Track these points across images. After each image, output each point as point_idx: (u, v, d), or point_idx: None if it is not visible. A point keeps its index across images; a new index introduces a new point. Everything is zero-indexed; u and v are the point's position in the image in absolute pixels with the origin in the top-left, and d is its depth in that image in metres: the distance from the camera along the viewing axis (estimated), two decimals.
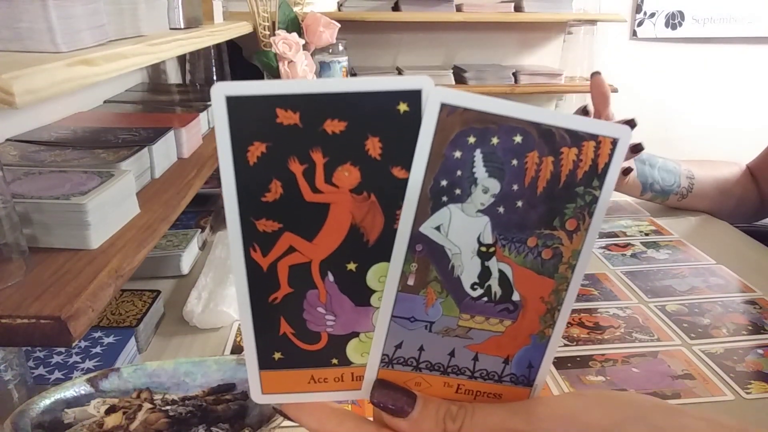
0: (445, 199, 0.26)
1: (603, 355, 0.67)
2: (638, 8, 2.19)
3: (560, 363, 0.66)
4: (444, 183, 0.26)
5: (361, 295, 0.28)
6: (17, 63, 0.40)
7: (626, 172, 0.95)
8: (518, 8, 1.96)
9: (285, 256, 0.27)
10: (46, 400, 0.45)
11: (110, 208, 0.53)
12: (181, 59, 1.40)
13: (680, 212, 1.08)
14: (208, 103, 0.98)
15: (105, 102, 0.97)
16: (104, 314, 0.71)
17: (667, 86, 2.23)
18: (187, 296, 0.77)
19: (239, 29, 1.12)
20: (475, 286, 0.28)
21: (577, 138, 0.26)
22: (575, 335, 0.71)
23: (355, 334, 0.29)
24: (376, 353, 0.29)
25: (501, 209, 0.27)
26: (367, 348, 0.29)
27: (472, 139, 0.25)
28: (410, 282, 0.28)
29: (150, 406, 0.46)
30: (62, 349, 0.63)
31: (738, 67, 2.27)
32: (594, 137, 0.26)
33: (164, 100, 1.03)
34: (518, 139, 0.26)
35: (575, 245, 0.28)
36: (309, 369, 0.30)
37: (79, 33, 0.51)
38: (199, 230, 0.95)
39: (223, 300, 0.74)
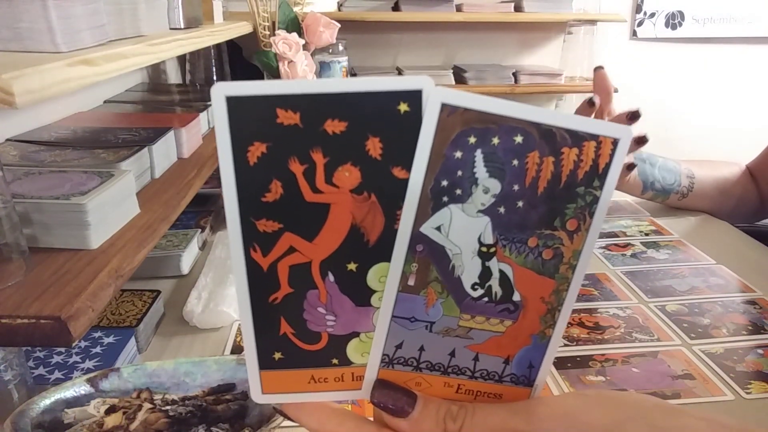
0: (445, 199, 0.26)
1: (603, 355, 0.67)
2: (638, 8, 2.19)
3: (560, 363, 0.66)
4: (444, 183, 0.26)
5: (361, 295, 0.28)
6: (17, 63, 0.40)
7: (630, 167, 0.95)
8: (518, 8, 1.96)
9: (285, 256, 0.27)
10: (46, 400, 0.45)
11: (110, 208, 0.53)
12: (181, 59, 1.40)
13: (680, 212, 1.08)
14: (208, 103, 0.98)
15: (105, 102, 0.97)
16: (104, 314, 0.71)
17: (667, 86, 2.23)
18: (187, 296, 0.77)
19: (239, 29, 1.12)
20: (476, 287, 0.28)
21: (577, 138, 0.26)
22: (575, 335, 0.71)
23: (356, 334, 0.29)
24: (376, 353, 0.29)
25: (502, 209, 0.27)
26: (367, 348, 0.29)
27: (472, 139, 0.25)
28: (411, 282, 0.28)
29: (150, 406, 0.46)
30: (62, 349, 0.63)
31: (738, 67, 2.27)
32: (595, 137, 0.26)
33: (164, 100, 1.03)
34: (519, 139, 0.26)
35: (576, 245, 0.28)
36: (309, 369, 0.30)
37: (79, 33, 0.51)
38: (199, 230, 0.95)
39: (223, 300, 0.74)
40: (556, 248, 0.28)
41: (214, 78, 1.40)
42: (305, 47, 1.29)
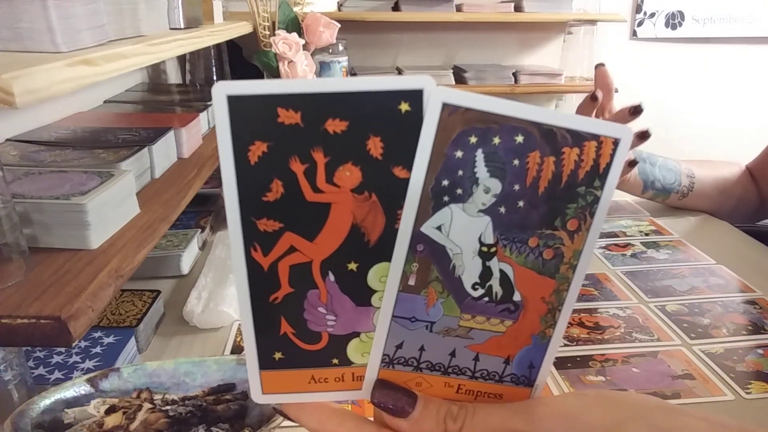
0: (446, 198, 0.26)
1: (603, 355, 0.67)
2: (638, 8, 2.19)
3: (560, 363, 0.66)
4: (445, 183, 0.26)
5: (361, 295, 0.28)
6: (17, 63, 0.40)
7: (631, 164, 0.95)
8: (518, 8, 1.96)
9: (286, 256, 0.27)
10: (46, 400, 0.45)
11: (110, 208, 0.53)
12: (181, 59, 1.40)
13: (680, 212, 1.08)
14: (208, 103, 0.98)
15: (105, 102, 0.97)
16: (104, 314, 0.71)
17: (667, 86, 2.23)
18: (187, 296, 0.77)
19: (239, 29, 1.12)
20: (476, 286, 0.28)
21: (578, 138, 0.26)
22: (575, 335, 0.71)
23: (356, 334, 0.29)
24: (376, 353, 0.29)
25: (502, 209, 0.27)
26: (367, 348, 0.29)
27: (473, 139, 0.25)
28: (411, 282, 0.28)
29: (150, 406, 0.46)
30: (62, 349, 0.63)
31: (738, 67, 2.27)
32: (596, 137, 0.26)
33: (164, 100, 1.03)
34: (520, 139, 0.26)
35: (576, 245, 0.28)
36: (309, 369, 0.30)
37: (79, 33, 0.51)
38: (199, 230, 0.95)
39: (223, 300, 0.74)
40: (557, 248, 0.28)
41: (214, 78, 1.40)
42: (305, 47, 1.29)
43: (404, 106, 0.25)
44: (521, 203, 0.27)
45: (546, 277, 0.28)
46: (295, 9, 1.35)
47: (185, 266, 0.86)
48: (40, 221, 0.49)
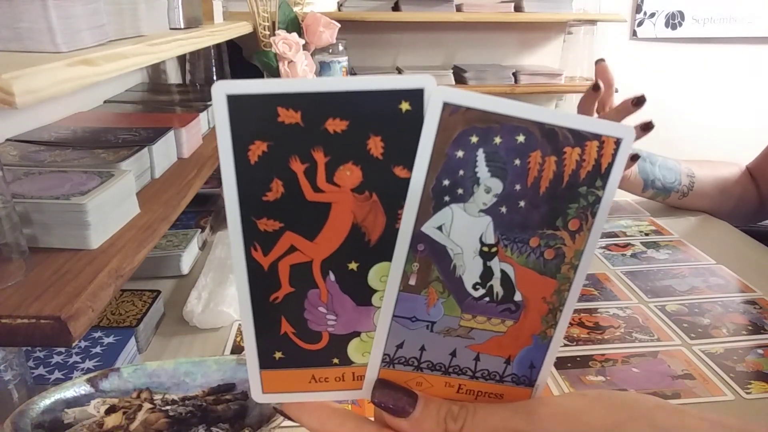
0: (447, 198, 0.26)
1: (603, 355, 0.67)
2: (638, 8, 2.19)
3: (560, 363, 0.65)
4: (446, 182, 0.26)
5: (362, 295, 0.28)
6: (17, 63, 0.40)
7: (634, 158, 0.95)
8: (518, 8, 1.96)
9: (286, 256, 0.27)
10: (46, 400, 0.45)
11: (110, 208, 0.53)
12: (181, 59, 1.40)
13: (680, 212, 1.08)
14: (208, 103, 0.98)
15: (105, 102, 0.97)
16: (104, 314, 0.71)
17: (667, 86, 2.23)
18: (187, 296, 0.77)
19: (239, 29, 1.12)
20: (477, 286, 0.28)
21: (580, 138, 0.26)
22: (575, 335, 0.71)
23: (357, 334, 0.29)
24: (377, 353, 0.29)
25: (503, 209, 0.27)
26: (368, 348, 0.29)
27: (474, 139, 0.25)
28: (412, 282, 0.27)
29: (150, 406, 0.46)
30: (62, 349, 0.63)
31: (738, 67, 2.27)
32: (597, 137, 0.26)
33: (164, 100, 1.03)
34: (521, 138, 0.26)
35: (578, 245, 0.28)
36: (310, 368, 0.30)
37: (79, 33, 0.51)
38: (199, 230, 0.95)
39: (223, 300, 0.74)
40: (558, 248, 0.28)
41: (214, 78, 1.40)
42: (305, 47, 1.29)
43: (405, 106, 0.25)
44: (522, 203, 0.27)
45: (547, 277, 0.28)
46: (295, 9, 1.35)
47: (185, 266, 0.86)
48: (40, 221, 0.49)
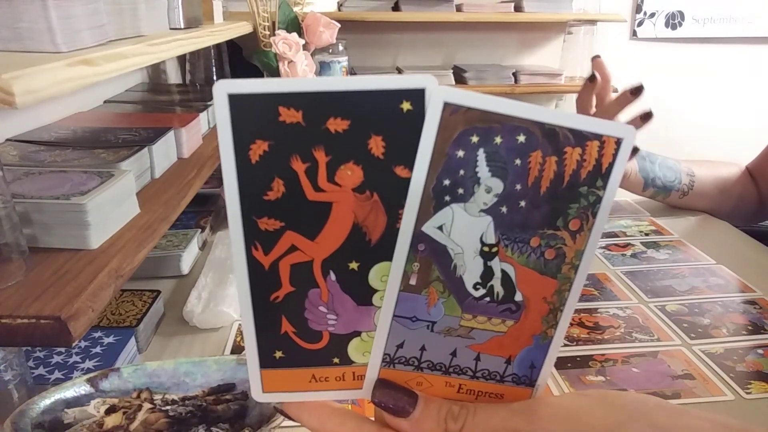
0: (447, 198, 0.26)
1: (603, 355, 0.67)
2: (638, 8, 2.19)
3: (560, 363, 0.65)
4: (447, 182, 0.26)
5: (362, 295, 0.28)
6: (17, 63, 0.40)
7: (633, 151, 0.95)
8: (518, 8, 1.96)
9: (287, 255, 0.27)
10: (46, 400, 0.45)
11: (110, 208, 0.53)
12: (181, 59, 1.40)
13: (680, 212, 1.08)
14: (208, 103, 0.98)
15: (105, 102, 0.97)
16: (104, 314, 0.71)
17: (667, 86, 2.23)
18: (187, 296, 0.77)
19: (239, 29, 1.11)
20: (478, 286, 0.28)
21: (581, 137, 0.26)
22: (575, 335, 0.71)
23: (357, 334, 0.29)
24: (377, 353, 0.29)
25: (504, 209, 0.27)
26: (368, 347, 0.29)
27: (475, 139, 0.25)
28: (412, 281, 0.27)
29: (150, 406, 0.46)
30: (62, 349, 0.63)
31: (738, 67, 2.27)
32: (598, 137, 0.26)
33: (164, 100, 1.03)
34: (521, 138, 0.26)
35: (578, 245, 0.28)
36: (310, 368, 0.30)
37: (79, 33, 0.51)
38: (199, 230, 0.95)
39: (223, 300, 0.74)
40: (559, 248, 0.28)
41: (214, 78, 1.40)
42: (305, 47, 1.29)
43: (406, 106, 0.25)
44: (523, 203, 0.27)
45: (548, 277, 0.28)
46: (295, 9, 1.35)
47: (185, 266, 0.86)
48: (40, 221, 0.49)
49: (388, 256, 0.27)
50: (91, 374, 0.48)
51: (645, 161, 1.01)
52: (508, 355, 0.30)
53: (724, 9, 2.19)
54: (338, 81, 0.25)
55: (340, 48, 1.52)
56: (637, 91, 0.87)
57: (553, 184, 0.27)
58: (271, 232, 0.26)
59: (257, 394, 0.30)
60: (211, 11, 1.03)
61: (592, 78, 0.90)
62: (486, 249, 0.27)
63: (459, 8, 1.91)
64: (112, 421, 0.44)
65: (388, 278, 0.27)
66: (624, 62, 2.17)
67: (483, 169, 0.26)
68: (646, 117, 0.85)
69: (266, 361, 0.29)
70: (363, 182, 0.26)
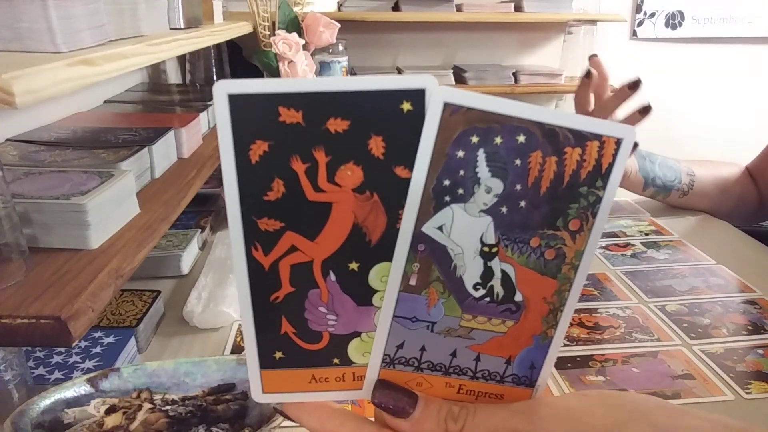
0: (447, 198, 0.26)
1: (603, 355, 0.67)
2: (638, 8, 2.19)
3: (560, 363, 0.65)
4: (447, 183, 0.26)
5: (362, 295, 0.28)
6: (17, 63, 0.40)
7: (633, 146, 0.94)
8: (518, 8, 1.96)
9: (287, 255, 0.27)
10: (46, 400, 0.45)
11: (110, 208, 0.53)
12: (181, 59, 1.40)
13: (680, 212, 1.08)
14: (208, 103, 0.98)
15: (105, 102, 0.97)
16: (104, 314, 0.71)
17: (667, 86, 2.23)
18: (187, 296, 0.77)
19: (239, 29, 1.11)
20: (478, 287, 0.28)
21: (581, 138, 0.26)
22: (575, 335, 0.71)
23: (357, 334, 0.29)
24: (377, 353, 0.29)
25: (504, 209, 0.27)
26: (368, 348, 0.29)
27: (475, 139, 0.25)
28: (412, 282, 0.27)
29: (150, 406, 0.46)
30: (62, 349, 0.63)
31: (738, 67, 2.27)
32: (598, 137, 0.26)
33: (164, 100, 1.03)
34: (521, 138, 0.26)
35: (578, 246, 0.28)
36: (310, 368, 0.30)
37: (79, 33, 0.51)
38: (199, 230, 0.95)
39: (223, 300, 0.74)
40: (559, 248, 0.28)
41: (214, 78, 1.40)
42: (305, 47, 1.29)
43: (406, 106, 0.25)
44: (523, 203, 0.27)
45: (548, 278, 0.28)
46: (295, 9, 1.35)
47: (185, 266, 0.86)
48: (40, 221, 0.49)
49: (388, 257, 0.27)
50: (91, 374, 0.48)
51: (645, 161, 1.01)
52: (508, 355, 0.30)
53: (724, 9, 2.19)
54: (338, 81, 0.25)
55: (340, 48, 1.52)
56: (634, 86, 0.87)
57: (553, 184, 0.27)
58: (271, 232, 0.26)
59: (257, 395, 0.30)
60: (211, 11, 1.03)
61: (587, 74, 0.90)
62: (486, 249, 0.27)
63: (459, 8, 1.91)
64: (112, 421, 0.44)
65: (388, 279, 0.27)
66: (624, 62, 2.17)
67: (483, 170, 0.26)
68: (645, 111, 0.86)
69: (266, 362, 0.29)
70: (363, 182, 0.26)
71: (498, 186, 0.26)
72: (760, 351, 0.67)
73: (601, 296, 0.80)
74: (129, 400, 0.47)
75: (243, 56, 1.56)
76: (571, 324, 0.73)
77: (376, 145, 0.25)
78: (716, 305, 0.77)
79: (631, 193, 1.06)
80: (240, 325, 0.73)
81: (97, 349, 0.64)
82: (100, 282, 0.45)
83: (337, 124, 0.25)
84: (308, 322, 0.29)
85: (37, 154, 0.64)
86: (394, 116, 0.25)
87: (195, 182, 0.71)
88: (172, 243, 0.88)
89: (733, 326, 0.72)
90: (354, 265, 0.27)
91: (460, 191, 0.26)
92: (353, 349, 0.29)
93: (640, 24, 2.20)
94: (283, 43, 1.21)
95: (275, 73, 1.27)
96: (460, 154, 0.25)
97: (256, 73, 1.38)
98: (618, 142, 0.26)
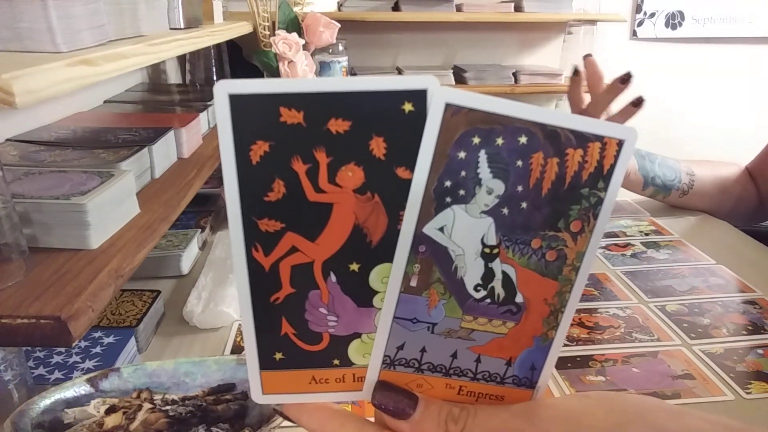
0: (448, 200, 0.26)
1: (603, 355, 0.67)
2: (638, 8, 2.19)
3: (560, 363, 0.65)
4: (448, 184, 0.26)
5: (363, 296, 0.28)
6: (17, 63, 0.40)
7: (637, 103, 0.92)
8: (518, 8, 1.96)
9: (287, 256, 0.27)
10: (46, 400, 0.45)
11: (110, 208, 0.53)
12: (181, 59, 1.40)
13: (680, 212, 1.08)
14: (208, 103, 0.98)
15: (105, 102, 0.97)
16: (104, 314, 0.71)
17: (667, 86, 2.23)
18: (187, 296, 0.77)
19: (239, 29, 1.11)
20: (479, 288, 0.28)
21: (582, 139, 0.26)
22: (575, 335, 0.71)
23: (357, 335, 0.29)
24: (377, 354, 0.29)
25: (505, 210, 0.27)
26: (368, 349, 0.29)
27: (476, 140, 0.25)
28: (413, 283, 0.27)
29: (150, 406, 0.46)
30: (62, 349, 0.63)
31: (738, 67, 2.27)
32: (599, 138, 0.26)
33: (164, 100, 1.03)
34: (523, 139, 0.26)
35: (580, 247, 0.28)
36: (310, 369, 0.30)
37: (79, 33, 0.50)
38: (199, 230, 0.95)
39: (223, 300, 0.74)
40: (560, 250, 0.28)
41: (214, 78, 1.40)
42: (305, 47, 1.29)
43: (408, 107, 0.25)
44: (524, 204, 0.27)
45: (549, 279, 0.28)
46: (295, 9, 1.35)
47: (185, 266, 0.86)
48: (40, 221, 0.49)
49: (389, 258, 0.27)
50: (91, 374, 0.48)
51: (645, 160, 1.02)
52: (509, 356, 0.30)
53: (724, 9, 2.19)
54: (340, 81, 0.25)
55: (340, 48, 1.52)
56: (625, 80, 0.87)
57: (554, 185, 0.27)
58: (272, 233, 0.26)
59: (257, 396, 0.30)
60: (211, 11, 1.03)
61: (575, 72, 0.91)
62: (487, 250, 0.27)
63: (459, 8, 1.91)
64: (112, 421, 0.44)
65: (388, 280, 0.27)
66: (624, 62, 2.16)
67: (484, 171, 0.26)
68: (638, 103, 0.86)
69: (266, 363, 0.29)
70: (364, 183, 0.26)
71: (499, 187, 0.26)
72: (760, 351, 0.67)
73: (601, 296, 0.80)
74: (129, 400, 0.47)
75: (243, 56, 1.56)
76: (571, 324, 0.72)
77: (378, 146, 0.25)
78: (716, 305, 0.77)
79: (631, 192, 1.06)
80: (240, 325, 0.73)
81: (97, 349, 0.64)
82: (100, 282, 0.45)
83: (338, 125, 0.25)
84: (308, 323, 0.28)
85: (37, 154, 0.64)
86: (396, 117, 0.25)
87: (195, 182, 0.71)
88: (172, 243, 0.88)
89: (733, 326, 0.72)
90: (355, 266, 0.27)
91: (462, 192, 0.26)
92: (353, 350, 0.29)
93: (640, 24, 2.20)
94: (283, 43, 1.21)
95: (275, 73, 1.27)
96: (462, 155, 0.25)
97: (256, 73, 1.38)
98: (620, 144, 0.26)
